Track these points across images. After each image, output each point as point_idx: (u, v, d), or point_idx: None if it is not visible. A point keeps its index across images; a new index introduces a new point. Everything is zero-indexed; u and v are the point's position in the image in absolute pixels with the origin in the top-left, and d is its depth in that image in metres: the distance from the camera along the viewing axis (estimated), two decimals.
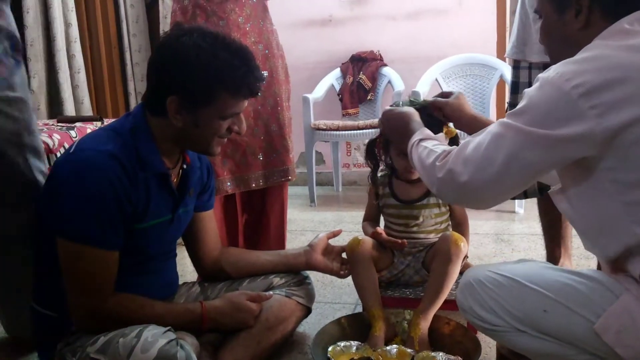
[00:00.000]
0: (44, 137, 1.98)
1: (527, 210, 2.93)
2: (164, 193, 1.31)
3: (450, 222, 1.68)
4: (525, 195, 1.81)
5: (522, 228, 2.72)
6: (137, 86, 3.65)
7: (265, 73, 1.88)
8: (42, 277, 1.31)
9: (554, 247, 1.88)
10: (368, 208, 1.76)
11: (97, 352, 1.13)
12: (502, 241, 2.53)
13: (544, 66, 1.66)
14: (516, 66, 1.76)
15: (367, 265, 1.58)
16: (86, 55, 3.42)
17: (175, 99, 1.21)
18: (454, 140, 1.62)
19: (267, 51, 1.90)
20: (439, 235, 1.62)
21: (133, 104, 3.60)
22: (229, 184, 1.91)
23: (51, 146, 1.98)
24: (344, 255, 1.67)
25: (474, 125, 1.36)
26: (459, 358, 1.37)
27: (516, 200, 2.94)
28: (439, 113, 1.45)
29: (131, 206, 1.22)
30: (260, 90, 1.32)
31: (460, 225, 1.68)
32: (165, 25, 3.46)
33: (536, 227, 2.01)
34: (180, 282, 1.56)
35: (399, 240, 1.60)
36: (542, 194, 1.80)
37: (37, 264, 1.31)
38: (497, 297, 1.07)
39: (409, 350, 1.43)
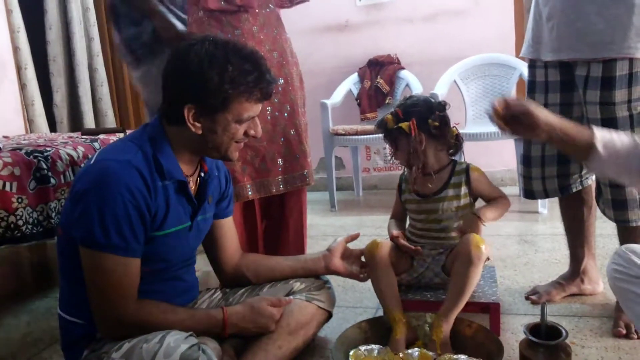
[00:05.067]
0: (69, 150, 2.03)
1: (550, 211, 2.89)
2: (183, 201, 1.33)
3: None
4: (546, 194, 1.80)
5: (545, 228, 2.68)
6: None
7: (280, 80, 1.90)
8: (68, 285, 1.34)
9: (577, 247, 1.85)
10: (394, 205, 1.78)
11: (121, 357, 1.15)
12: (525, 242, 2.50)
13: (560, 65, 1.65)
14: (532, 65, 1.74)
15: (386, 268, 1.58)
16: (108, 69, 3.50)
17: (192, 107, 1.24)
18: (457, 138, 1.63)
19: (281, 59, 1.93)
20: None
21: None
22: (249, 189, 1.93)
23: (76, 158, 2.02)
24: (363, 258, 1.67)
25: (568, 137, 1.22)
26: None
27: (539, 201, 2.90)
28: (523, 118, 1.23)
29: (151, 214, 1.24)
30: (274, 93, 1.34)
31: (493, 200, 1.64)
32: None
33: (560, 227, 1.98)
34: (202, 288, 1.58)
35: (413, 247, 1.61)
36: (563, 193, 1.78)
37: (63, 272, 1.35)
38: None
39: (430, 353, 1.42)
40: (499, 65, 3.35)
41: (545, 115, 1.22)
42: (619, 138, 1.20)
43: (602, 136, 1.20)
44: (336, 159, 3.71)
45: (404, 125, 1.59)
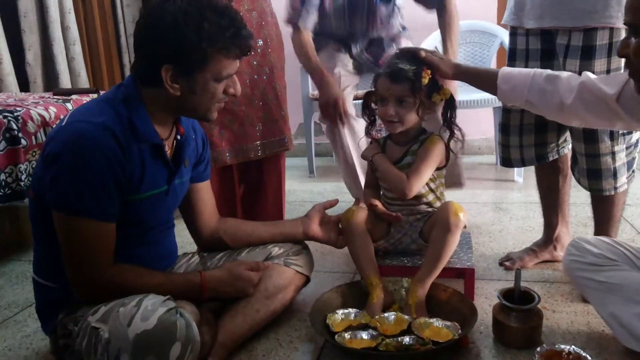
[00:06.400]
0: (41, 110, 1.98)
1: (525, 179, 2.94)
2: (159, 164, 1.30)
3: (443, 185, 1.67)
4: (523, 163, 1.81)
5: (520, 196, 2.73)
6: (131, 58, 3.61)
7: (259, 41, 1.86)
8: (42, 249, 1.32)
9: (551, 215, 1.88)
10: (367, 174, 1.75)
11: (97, 321, 1.14)
12: (500, 210, 2.54)
13: (541, 33, 1.64)
14: (513, 33, 1.73)
15: (362, 235, 1.59)
16: (81, 27, 3.38)
17: (169, 67, 1.20)
18: (450, 102, 1.60)
19: (261, 19, 1.88)
20: (429, 197, 1.62)
21: None
22: (227, 154, 1.90)
23: (47, 119, 1.97)
24: (340, 225, 1.67)
25: (480, 75, 1.52)
26: (456, 324, 1.39)
27: (515, 169, 2.94)
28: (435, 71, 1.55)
29: (125, 177, 1.21)
30: (252, 55, 1.31)
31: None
32: None
33: (534, 195, 2.01)
34: (180, 252, 1.57)
35: (393, 214, 1.61)
36: (540, 161, 1.80)
37: (36, 236, 1.32)
38: None
39: (406, 316, 1.45)
40: (480, 32, 3.33)
41: (449, 61, 1.59)
42: (521, 73, 1.42)
43: (503, 73, 1.43)
44: (315, 124, 3.68)
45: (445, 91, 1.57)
